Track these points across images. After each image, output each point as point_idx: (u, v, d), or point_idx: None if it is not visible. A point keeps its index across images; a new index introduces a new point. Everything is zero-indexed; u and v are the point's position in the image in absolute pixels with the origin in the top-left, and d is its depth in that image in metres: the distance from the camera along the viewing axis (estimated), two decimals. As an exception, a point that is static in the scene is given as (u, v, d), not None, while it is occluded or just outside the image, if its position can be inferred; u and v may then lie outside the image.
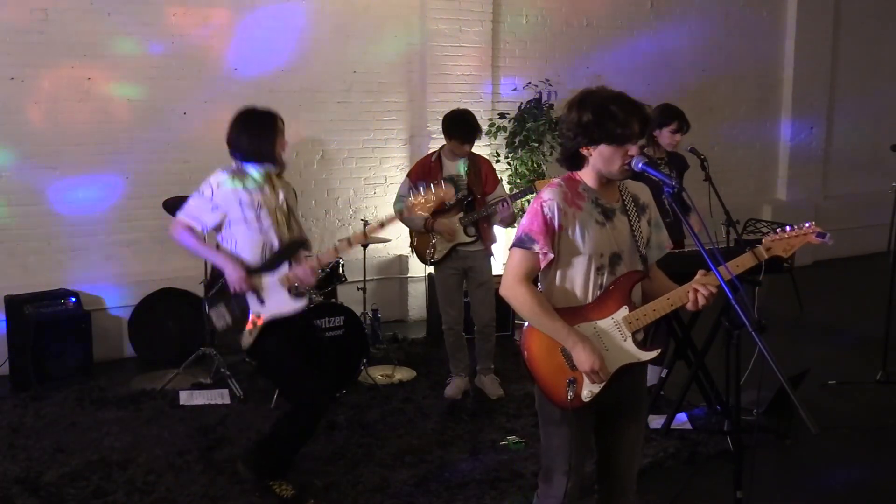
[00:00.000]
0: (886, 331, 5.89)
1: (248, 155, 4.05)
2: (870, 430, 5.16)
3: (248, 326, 4.04)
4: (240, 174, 4.06)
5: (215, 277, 4.11)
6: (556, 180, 3.01)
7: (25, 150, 6.27)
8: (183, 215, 4.06)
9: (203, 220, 4.03)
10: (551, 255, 2.91)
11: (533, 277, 2.98)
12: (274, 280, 4.03)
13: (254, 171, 4.07)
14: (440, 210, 5.56)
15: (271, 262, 4.04)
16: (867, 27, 10.34)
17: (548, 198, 2.92)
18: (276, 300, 4.03)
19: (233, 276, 3.97)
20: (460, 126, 5.48)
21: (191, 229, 4.05)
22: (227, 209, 4.01)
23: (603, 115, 2.83)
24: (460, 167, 5.61)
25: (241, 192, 4.00)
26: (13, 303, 5.96)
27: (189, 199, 4.09)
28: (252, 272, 4.02)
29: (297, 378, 4.13)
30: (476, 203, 5.58)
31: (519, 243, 2.95)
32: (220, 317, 4.07)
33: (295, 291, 4.07)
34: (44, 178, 6.34)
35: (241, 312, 4.04)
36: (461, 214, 5.57)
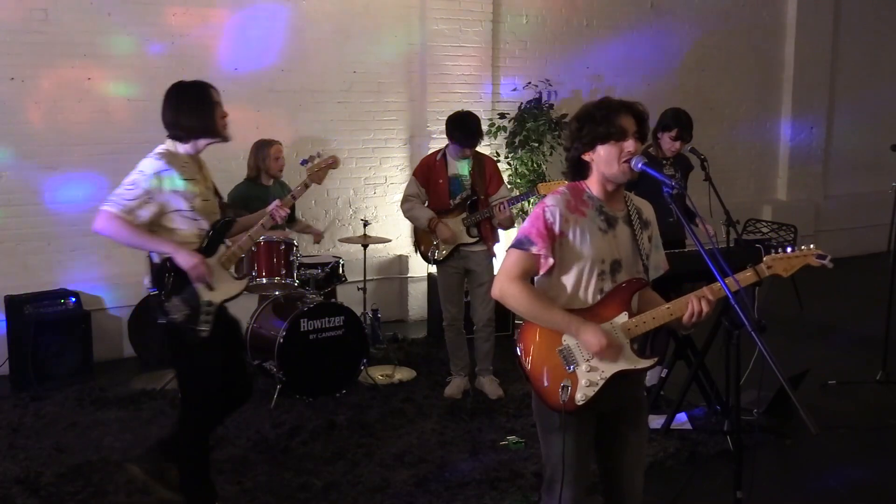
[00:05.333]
0: (886, 331, 5.88)
1: (191, 132, 3.77)
2: (870, 430, 5.15)
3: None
4: (172, 159, 3.73)
5: (163, 268, 3.75)
6: (561, 188, 3.05)
7: (25, 150, 6.27)
8: (114, 207, 3.62)
9: (138, 213, 3.64)
10: (551, 260, 2.93)
11: (527, 279, 2.98)
12: (216, 263, 3.82)
13: (184, 154, 3.79)
14: (444, 210, 5.58)
15: (209, 246, 3.81)
16: (867, 27, 10.35)
17: (551, 203, 2.96)
18: (224, 284, 3.84)
19: (189, 263, 3.67)
20: (460, 129, 5.47)
21: (124, 220, 3.62)
22: (163, 199, 3.68)
23: (585, 118, 2.97)
24: (464, 167, 5.61)
25: (176, 179, 3.69)
26: (13, 303, 5.96)
27: (119, 189, 3.66)
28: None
29: (214, 374, 3.85)
30: (479, 203, 5.57)
31: (517, 244, 2.97)
32: (177, 309, 3.74)
33: (237, 273, 3.92)
34: (44, 178, 6.34)
35: (196, 300, 3.76)
36: (464, 215, 5.57)
